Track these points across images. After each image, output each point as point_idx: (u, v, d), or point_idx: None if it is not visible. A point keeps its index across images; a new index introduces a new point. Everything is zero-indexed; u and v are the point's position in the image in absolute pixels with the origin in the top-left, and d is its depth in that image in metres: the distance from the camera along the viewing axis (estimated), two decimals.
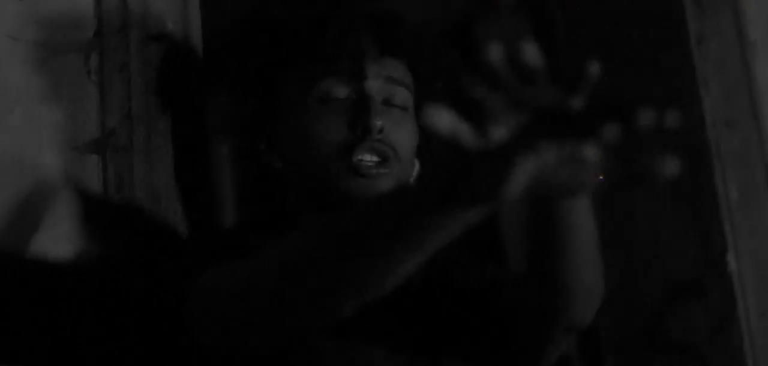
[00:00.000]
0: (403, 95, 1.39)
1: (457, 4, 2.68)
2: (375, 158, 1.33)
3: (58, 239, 1.44)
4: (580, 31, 2.40)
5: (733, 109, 2.15)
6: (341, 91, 1.36)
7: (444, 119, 0.76)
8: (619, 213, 2.26)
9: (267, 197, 1.48)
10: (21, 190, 1.45)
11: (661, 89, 2.21)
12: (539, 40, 2.82)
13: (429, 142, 1.45)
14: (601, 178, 0.80)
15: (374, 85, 1.36)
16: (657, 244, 2.17)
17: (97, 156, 1.52)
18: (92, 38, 1.57)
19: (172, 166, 1.55)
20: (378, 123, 1.33)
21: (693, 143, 2.12)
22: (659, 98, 2.22)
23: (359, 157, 1.32)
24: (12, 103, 1.48)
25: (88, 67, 1.55)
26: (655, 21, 2.24)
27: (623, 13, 2.31)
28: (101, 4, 1.58)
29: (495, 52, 0.79)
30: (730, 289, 2.05)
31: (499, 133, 0.79)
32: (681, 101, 2.17)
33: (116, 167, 1.52)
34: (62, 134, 1.51)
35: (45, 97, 1.51)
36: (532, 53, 0.80)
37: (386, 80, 1.38)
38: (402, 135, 1.37)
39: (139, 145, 1.53)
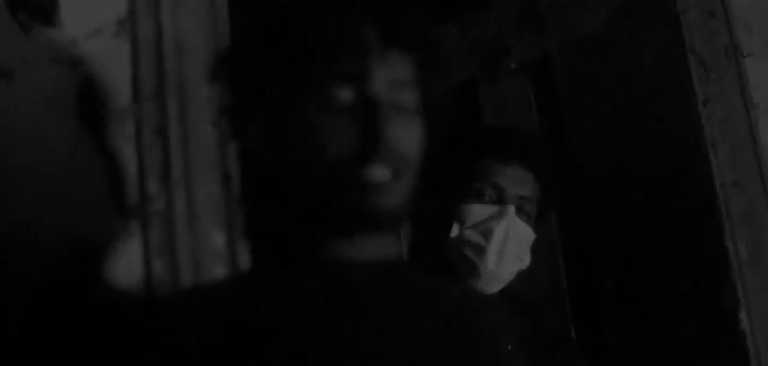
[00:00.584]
0: (411, 96, 1.27)
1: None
2: (388, 173, 1.23)
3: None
4: (584, 94, 2.44)
5: (739, 170, 2.20)
6: (344, 95, 1.24)
7: None
8: (630, 273, 2.28)
9: (260, 204, 1.36)
10: (63, 256, 1.45)
11: (670, 150, 2.25)
12: (542, 103, 2.84)
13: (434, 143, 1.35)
14: None
15: (381, 89, 1.24)
16: (669, 303, 2.20)
17: (137, 222, 1.52)
18: (130, 104, 1.57)
19: (211, 230, 1.55)
20: (389, 133, 1.21)
21: (702, 204, 2.16)
22: (668, 158, 2.25)
23: (372, 172, 1.22)
24: (55, 170, 1.48)
25: (126, 132, 1.56)
26: (661, 83, 2.28)
27: (628, 78, 2.35)
28: (138, 69, 1.59)
29: None
30: (743, 347, 2.08)
31: None
32: (689, 163, 2.21)
33: (157, 232, 1.52)
34: (103, 201, 1.51)
35: (85, 164, 1.51)
36: None
37: (392, 82, 1.25)
38: (412, 141, 1.25)
39: (180, 210, 1.54)
